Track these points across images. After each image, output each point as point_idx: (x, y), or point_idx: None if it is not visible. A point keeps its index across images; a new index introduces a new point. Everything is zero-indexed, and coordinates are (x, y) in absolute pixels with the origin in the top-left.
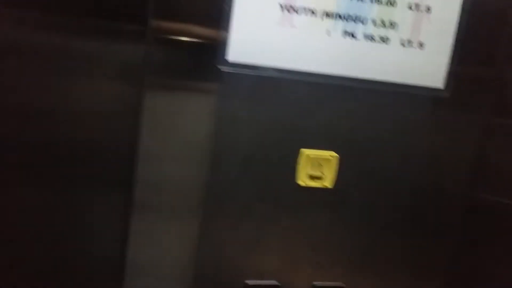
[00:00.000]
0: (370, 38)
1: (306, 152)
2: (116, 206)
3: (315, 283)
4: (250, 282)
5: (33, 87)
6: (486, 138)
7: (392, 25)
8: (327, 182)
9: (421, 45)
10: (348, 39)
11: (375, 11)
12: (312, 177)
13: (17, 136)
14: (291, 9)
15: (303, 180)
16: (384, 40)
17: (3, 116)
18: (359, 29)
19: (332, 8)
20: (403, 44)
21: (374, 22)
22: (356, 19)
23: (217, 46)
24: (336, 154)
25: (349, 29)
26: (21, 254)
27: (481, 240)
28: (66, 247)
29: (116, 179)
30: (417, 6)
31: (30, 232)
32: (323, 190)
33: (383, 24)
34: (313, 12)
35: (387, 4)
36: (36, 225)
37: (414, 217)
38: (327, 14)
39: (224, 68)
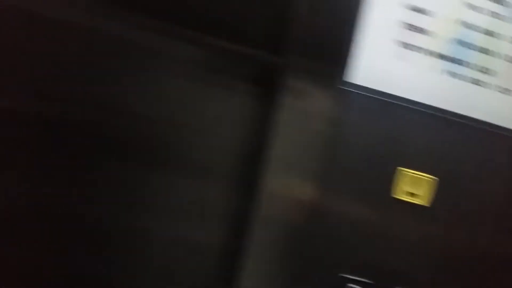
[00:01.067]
0: (471, 80)
1: (403, 170)
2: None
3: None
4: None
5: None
6: None
7: (492, 72)
8: (422, 199)
9: None
10: (453, 79)
11: (478, 59)
12: (408, 193)
13: (151, 139)
14: (407, 46)
15: (399, 194)
16: (482, 84)
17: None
18: (461, 71)
19: (442, 50)
20: (500, 90)
21: (475, 67)
22: (460, 62)
23: (343, 70)
24: (431, 176)
25: (453, 70)
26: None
27: None
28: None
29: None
30: None
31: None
32: (416, 205)
33: (483, 70)
34: (425, 51)
35: (488, 54)
36: None
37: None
38: (437, 55)
39: (347, 87)
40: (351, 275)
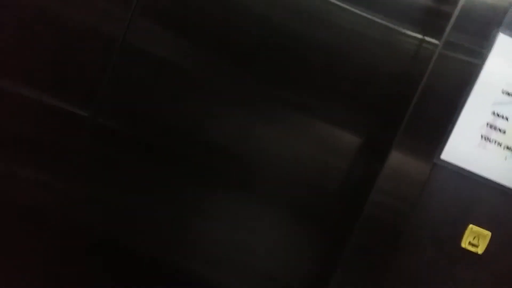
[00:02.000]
0: None
1: (472, 227)
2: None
3: None
4: None
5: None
6: None
7: None
8: (480, 249)
9: None
10: None
11: None
12: (471, 244)
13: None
14: (487, 139)
15: (465, 244)
16: None
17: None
18: None
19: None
20: None
21: None
22: None
23: (438, 147)
24: (490, 232)
25: None
26: None
27: None
28: None
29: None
30: None
31: None
32: (476, 254)
33: None
34: (499, 144)
35: None
36: None
37: None
38: (508, 148)
39: (438, 161)
40: None
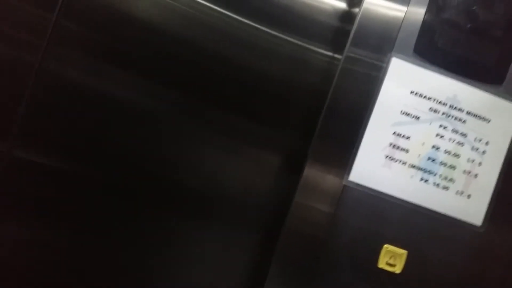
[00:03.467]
0: (437, 185)
1: (387, 247)
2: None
3: None
4: None
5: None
6: None
7: (452, 180)
8: (397, 269)
9: (469, 196)
10: (423, 183)
11: (441, 170)
12: (388, 264)
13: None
14: (392, 159)
15: (382, 265)
16: (445, 188)
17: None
18: (430, 178)
19: (416, 163)
20: (457, 193)
21: (440, 176)
22: (430, 172)
23: (346, 169)
24: (405, 251)
25: (424, 177)
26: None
27: None
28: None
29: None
30: (469, 172)
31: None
32: (394, 273)
33: (446, 178)
34: (404, 163)
35: (449, 167)
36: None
37: None
38: (412, 166)
39: (348, 183)
40: None
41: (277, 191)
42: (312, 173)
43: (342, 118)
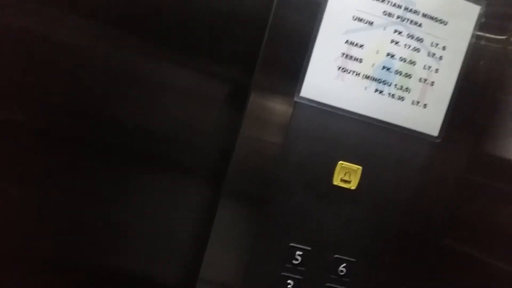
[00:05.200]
0: (392, 96)
1: (341, 163)
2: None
3: (335, 254)
4: (292, 244)
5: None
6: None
7: (407, 90)
8: (353, 185)
9: (425, 105)
10: (378, 94)
11: (397, 79)
12: (343, 180)
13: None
14: (344, 70)
15: (337, 181)
16: (401, 98)
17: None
18: (385, 89)
19: (370, 73)
20: (413, 103)
21: (395, 86)
22: (384, 82)
23: (296, 86)
24: (360, 167)
25: (379, 88)
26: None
27: None
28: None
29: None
30: (425, 80)
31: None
32: (349, 190)
33: (401, 88)
34: (357, 74)
35: (405, 76)
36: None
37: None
38: (366, 76)
39: (298, 99)
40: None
41: (225, 126)
42: (258, 97)
43: (288, 36)
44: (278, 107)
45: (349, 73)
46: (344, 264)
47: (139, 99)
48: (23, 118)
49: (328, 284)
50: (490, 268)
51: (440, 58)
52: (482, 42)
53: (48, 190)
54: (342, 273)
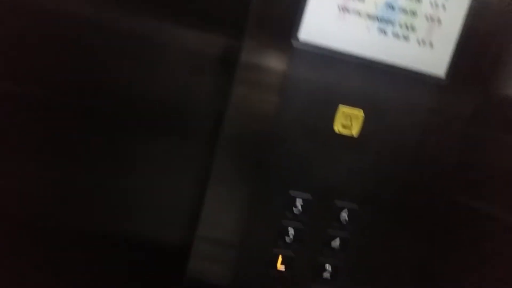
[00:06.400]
0: (396, 35)
1: (342, 108)
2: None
3: (336, 201)
4: (293, 192)
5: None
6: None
7: (413, 28)
8: (354, 131)
9: (431, 45)
10: (381, 35)
11: (401, 18)
12: (344, 126)
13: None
14: (345, 10)
15: (337, 128)
16: (405, 38)
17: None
18: (389, 28)
19: (373, 12)
20: (419, 43)
21: (400, 25)
22: (388, 21)
23: (294, 28)
24: (362, 112)
25: (383, 28)
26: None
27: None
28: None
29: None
30: (432, 18)
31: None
32: (350, 136)
33: (406, 27)
34: (359, 14)
35: (410, 14)
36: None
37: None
38: (369, 16)
39: (296, 44)
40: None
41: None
42: (253, 47)
43: None
44: (276, 53)
45: (350, 13)
46: (346, 212)
47: (134, 64)
48: (21, 90)
49: (330, 232)
50: (499, 223)
51: None
52: None
53: (48, 158)
54: (343, 220)
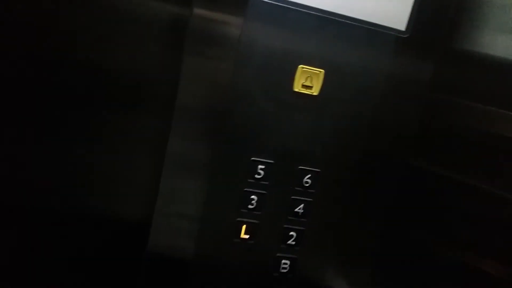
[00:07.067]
0: None
1: (301, 67)
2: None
3: (299, 164)
4: (254, 158)
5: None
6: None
7: None
8: (315, 90)
9: None
10: None
11: None
12: (304, 86)
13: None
14: None
15: (297, 87)
16: None
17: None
18: None
19: None
20: None
21: None
22: None
23: None
24: (323, 70)
25: None
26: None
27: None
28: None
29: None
30: None
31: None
32: (311, 96)
33: None
34: None
35: None
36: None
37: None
38: None
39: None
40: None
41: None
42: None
43: None
44: (228, 15)
45: None
46: (309, 175)
47: (87, 35)
48: None
49: (293, 197)
50: (460, 186)
51: None
52: None
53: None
54: (307, 184)
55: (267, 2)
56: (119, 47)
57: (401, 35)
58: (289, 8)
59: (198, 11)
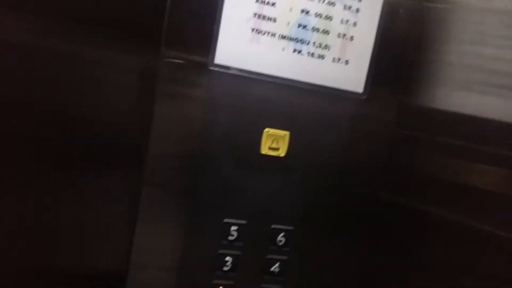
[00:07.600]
0: (311, 55)
1: (267, 130)
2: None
3: (271, 224)
4: (226, 220)
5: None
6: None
7: (327, 47)
8: (281, 152)
9: (347, 62)
10: (296, 54)
11: (314, 37)
12: (271, 148)
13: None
14: (259, 32)
15: (264, 150)
16: (321, 57)
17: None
18: (304, 48)
19: (286, 33)
20: (334, 61)
21: (314, 44)
22: (302, 41)
23: (211, 57)
24: (288, 132)
25: (297, 48)
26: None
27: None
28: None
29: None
30: (344, 35)
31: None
32: (278, 157)
33: (320, 46)
34: (273, 35)
35: (323, 32)
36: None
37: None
38: (283, 37)
39: (212, 67)
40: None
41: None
42: (167, 78)
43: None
44: (193, 79)
45: (264, 34)
46: (282, 234)
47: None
48: None
49: (268, 256)
50: (427, 217)
51: (357, 10)
52: None
53: None
54: (281, 243)
55: (229, 69)
56: (95, 94)
57: (360, 97)
58: (252, 76)
59: (163, 70)
